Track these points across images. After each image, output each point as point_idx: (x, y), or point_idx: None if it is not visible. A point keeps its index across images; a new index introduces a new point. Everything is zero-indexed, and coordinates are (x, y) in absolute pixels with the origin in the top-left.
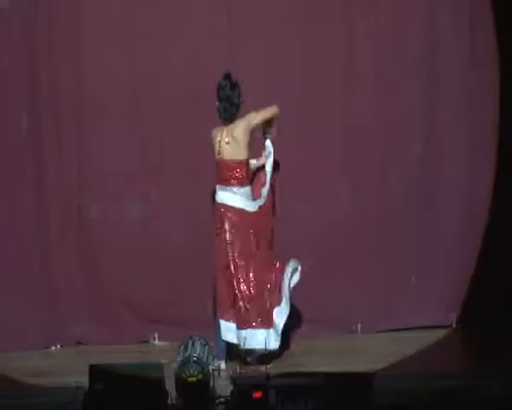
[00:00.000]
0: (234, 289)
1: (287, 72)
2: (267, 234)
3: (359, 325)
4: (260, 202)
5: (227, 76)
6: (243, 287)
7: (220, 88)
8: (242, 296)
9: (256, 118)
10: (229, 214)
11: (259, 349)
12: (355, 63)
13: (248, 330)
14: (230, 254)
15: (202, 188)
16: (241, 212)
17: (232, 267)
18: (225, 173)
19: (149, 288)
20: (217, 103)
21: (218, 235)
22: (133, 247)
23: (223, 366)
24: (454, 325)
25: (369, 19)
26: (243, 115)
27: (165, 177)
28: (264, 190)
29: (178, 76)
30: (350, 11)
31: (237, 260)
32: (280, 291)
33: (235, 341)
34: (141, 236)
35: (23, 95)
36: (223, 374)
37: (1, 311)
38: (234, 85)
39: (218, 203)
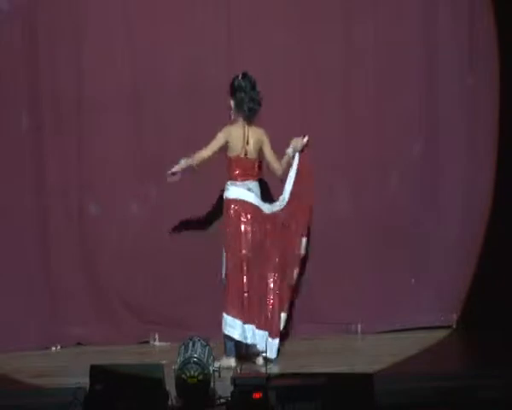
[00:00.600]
0: (244, 286)
1: (286, 72)
2: (286, 242)
3: (359, 325)
4: (275, 207)
5: (245, 75)
6: (253, 285)
7: (241, 89)
8: (252, 294)
9: (267, 151)
10: (243, 211)
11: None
12: (354, 63)
13: (252, 327)
14: (243, 250)
15: (203, 187)
16: (255, 208)
17: (245, 263)
18: (244, 170)
19: (150, 288)
20: (231, 102)
21: (230, 231)
22: (133, 247)
23: (233, 363)
24: (454, 326)
25: (368, 18)
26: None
27: (165, 177)
28: (284, 196)
29: (179, 76)
30: (349, 10)
31: (250, 257)
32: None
33: (238, 337)
34: (141, 236)
35: (23, 95)
36: (225, 374)
37: (1, 311)
38: (254, 84)
39: (231, 199)
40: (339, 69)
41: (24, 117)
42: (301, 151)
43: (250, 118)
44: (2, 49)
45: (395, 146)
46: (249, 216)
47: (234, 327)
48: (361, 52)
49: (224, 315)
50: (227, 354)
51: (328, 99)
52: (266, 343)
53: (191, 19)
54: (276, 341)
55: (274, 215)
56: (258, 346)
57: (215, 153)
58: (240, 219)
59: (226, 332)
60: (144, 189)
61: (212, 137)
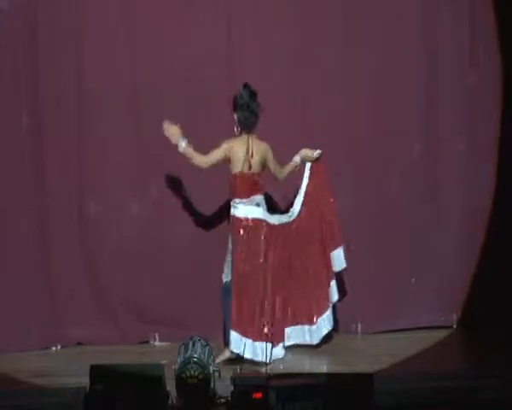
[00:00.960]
0: (255, 304)
1: (286, 72)
2: (301, 254)
3: (359, 325)
4: (283, 218)
5: (246, 86)
6: (262, 300)
7: (240, 97)
8: (261, 309)
9: (272, 165)
10: (253, 228)
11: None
12: (354, 62)
13: (262, 344)
14: (254, 268)
15: (203, 188)
16: (264, 223)
17: (255, 281)
18: (249, 186)
19: (150, 288)
20: (234, 114)
21: (240, 249)
22: (133, 247)
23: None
24: (454, 326)
25: (368, 18)
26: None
27: (166, 177)
28: (294, 208)
29: (179, 76)
30: (349, 10)
31: (260, 274)
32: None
33: (249, 356)
34: (141, 236)
35: (23, 95)
36: (225, 374)
37: (1, 311)
38: (253, 94)
39: (239, 218)
40: (339, 69)
41: (24, 117)
42: (313, 163)
43: (246, 128)
44: (2, 49)
45: (395, 146)
46: (259, 233)
47: (243, 346)
48: (361, 52)
49: (231, 332)
50: (228, 345)
51: (328, 99)
52: (270, 352)
53: (191, 19)
54: (281, 344)
55: (283, 227)
56: (262, 360)
57: (215, 163)
58: (249, 238)
59: (236, 351)
60: (144, 189)
61: (212, 139)
